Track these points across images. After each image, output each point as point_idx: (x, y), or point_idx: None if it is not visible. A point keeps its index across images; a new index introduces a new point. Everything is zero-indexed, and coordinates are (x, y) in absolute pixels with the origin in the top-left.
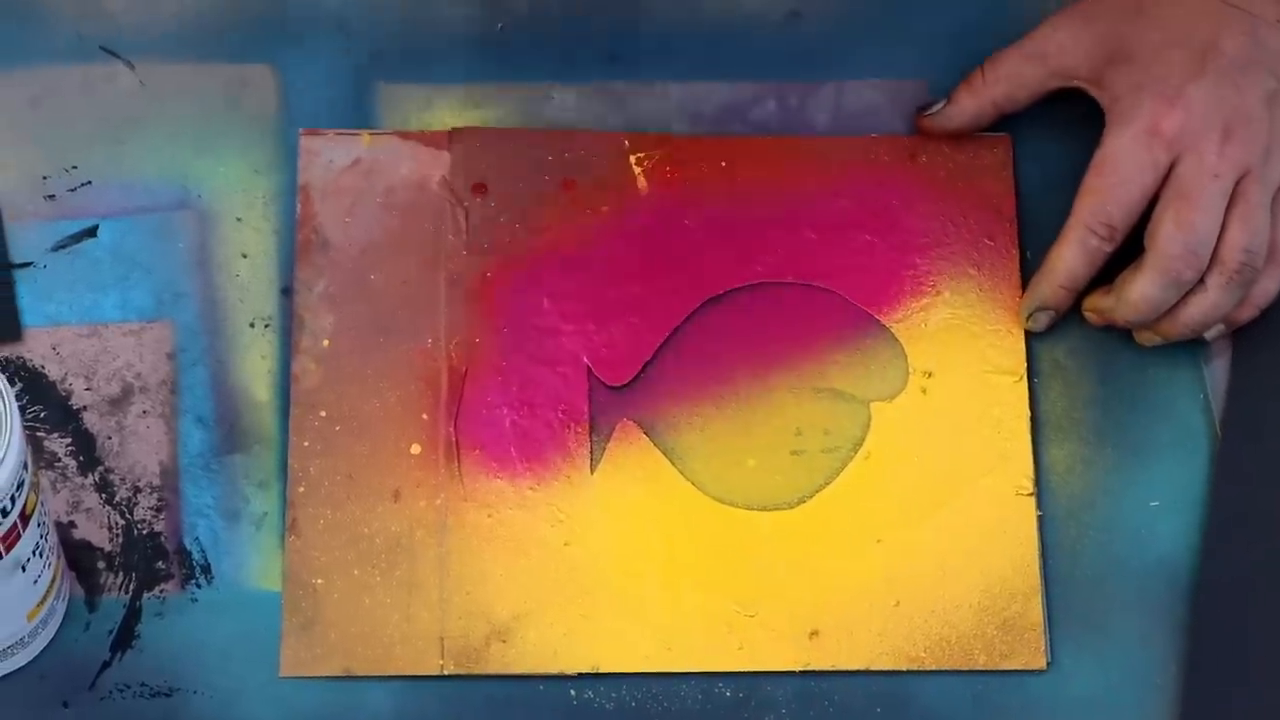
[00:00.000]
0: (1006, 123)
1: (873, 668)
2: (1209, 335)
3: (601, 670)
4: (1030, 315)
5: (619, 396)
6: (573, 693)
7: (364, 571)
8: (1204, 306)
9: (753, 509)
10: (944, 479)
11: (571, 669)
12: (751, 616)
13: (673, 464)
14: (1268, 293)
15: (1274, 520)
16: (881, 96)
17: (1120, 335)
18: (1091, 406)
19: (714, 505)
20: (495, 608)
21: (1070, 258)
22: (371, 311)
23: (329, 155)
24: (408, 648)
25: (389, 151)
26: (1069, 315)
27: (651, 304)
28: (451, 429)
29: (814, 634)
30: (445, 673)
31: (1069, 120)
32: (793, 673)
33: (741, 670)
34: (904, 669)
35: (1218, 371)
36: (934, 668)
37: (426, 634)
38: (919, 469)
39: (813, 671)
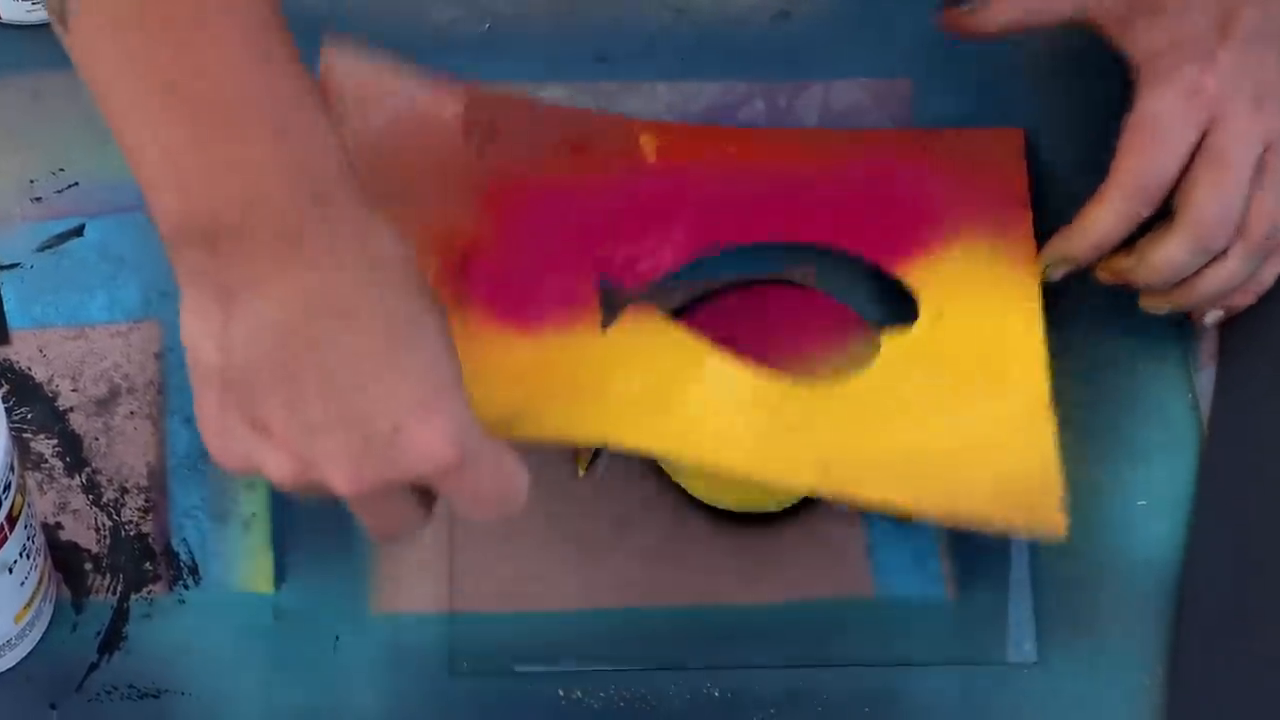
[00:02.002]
0: (1018, 116)
1: (890, 499)
2: (1208, 319)
3: (609, 443)
4: (1050, 265)
5: None
6: (560, 692)
7: None
8: (1223, 276)
9: (743, 512)
10: (957, 389)
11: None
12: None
13: (660, 465)
14: (1267, 279)
15: (1260, 521)
16: (868, 96)
17: (1107, 335)
18: (1079, 407)
19: (732, 365)
20: (500, 407)
21: (1107, 219)
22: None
23: (348, 66)
24: None
25: (406, 75)
26: (1055, 316)
27: (664, 236)
28: (460, 288)
29: (825, 467)
30: None
31: (1082, 115)
32: (781, 672)
33: (753, 475)
34: (909, 507)
35: (1205, 373)
36: (949, 515)
37: None
38: (931, 382)
39: (802, 666)
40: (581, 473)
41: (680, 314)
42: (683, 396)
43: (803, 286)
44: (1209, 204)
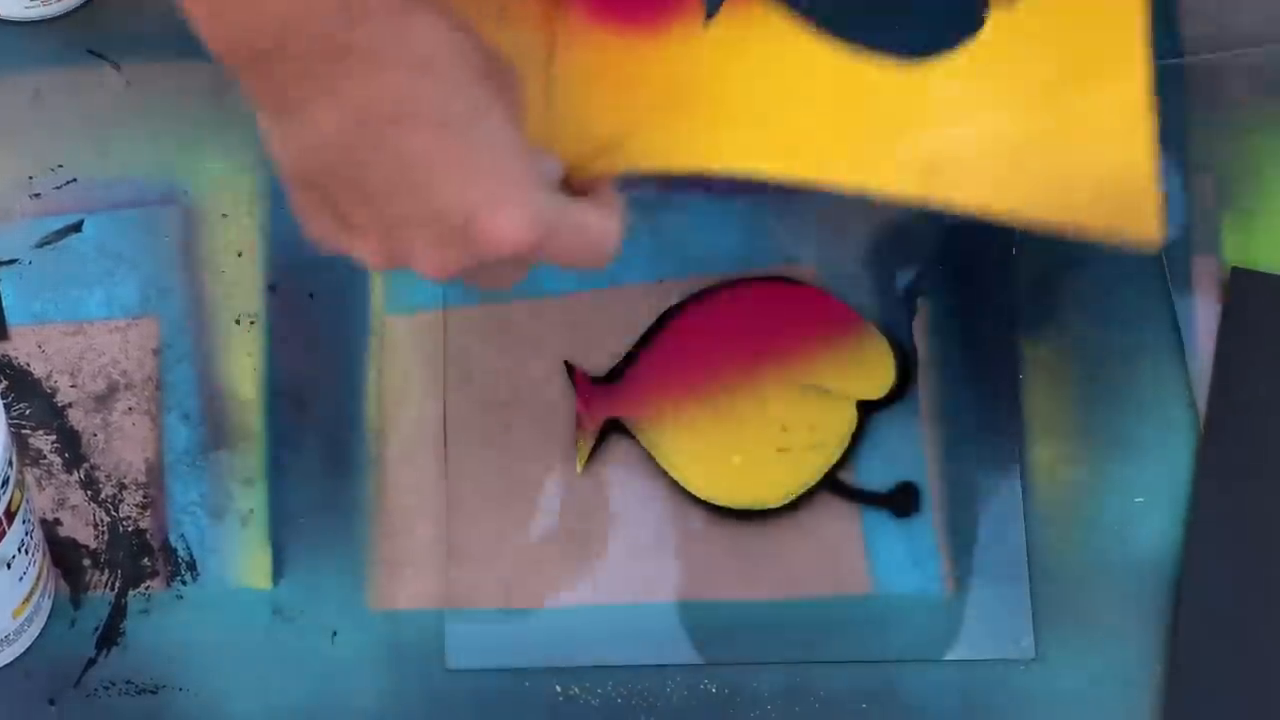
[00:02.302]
0: None
1: (991, 202)
2: None
3: (710, 165)
4: None
5: (603, 392)
6: (558, 688)
7: None
8: None
9: (740, 508)
10: (1059, 74)
11: (684, 167)
12: (868, 146)
13: (658, 461)
14: None
15: (1257, 517)
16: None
17: (1103, 332)
18: (1077, 404)
19: (833, 53)
20: (603, 127)
21: None
22: None
23: None
24: None
25: None
26: (1054, 313)
27: None
28: None
29: (929, 170)
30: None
31: None
32: (779, 668)
33: (856, 185)
34: (1017, 209)
35: (1202, 370)
36: (1047, 218)
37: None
38: (1031, 68)
39: (800, 663)
40: (580, 469)
41: (678, 310)
42: (784, 101)
43: (802, 284)
44: None
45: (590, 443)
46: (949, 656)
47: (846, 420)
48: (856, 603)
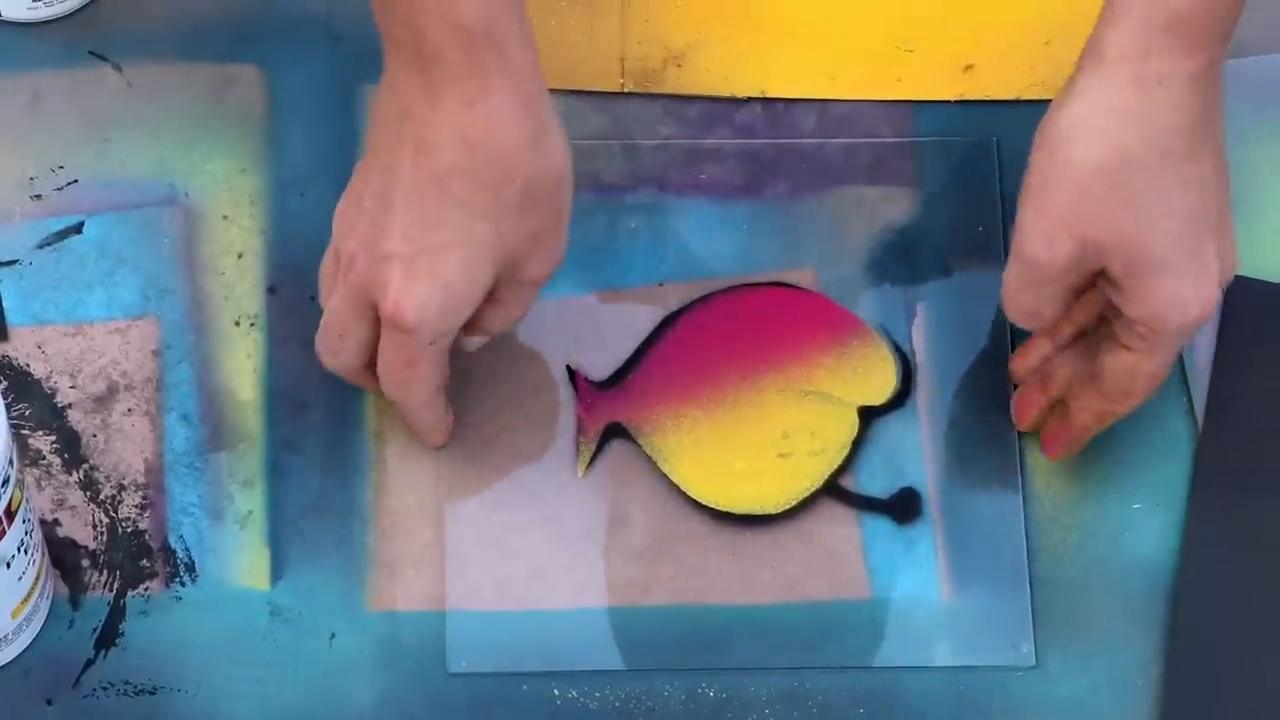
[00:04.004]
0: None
1: (1024, 97)
2: None
3: (769, 94)
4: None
5: (604, 397)
6: (556, 691)
7: None
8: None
9: (740, 513)
10: None
11: (742, 92)
12: (910, 51)
13: (659, 465)
14: None
15: (1254, 524)
16: (867, 103)
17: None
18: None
19: None
20: (672, 35)
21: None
22: None
23: None
24: (590, 67)
25: None
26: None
27: None
28: None
29: (968, 67)
30: (625, 89)
31: None
32: (777, 673)
33: (900, 99)
34: (1050, 97)
35: (1200, 377)
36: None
37: (608, 55)
38: None
39: (798, 668)
40: (582, 473)
41: (679, 315)
42: (833, 18)
43: (803, 289)
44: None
45: (592, 447)
46: (947, 662)
47: (848, 426)
48: (855, 608)
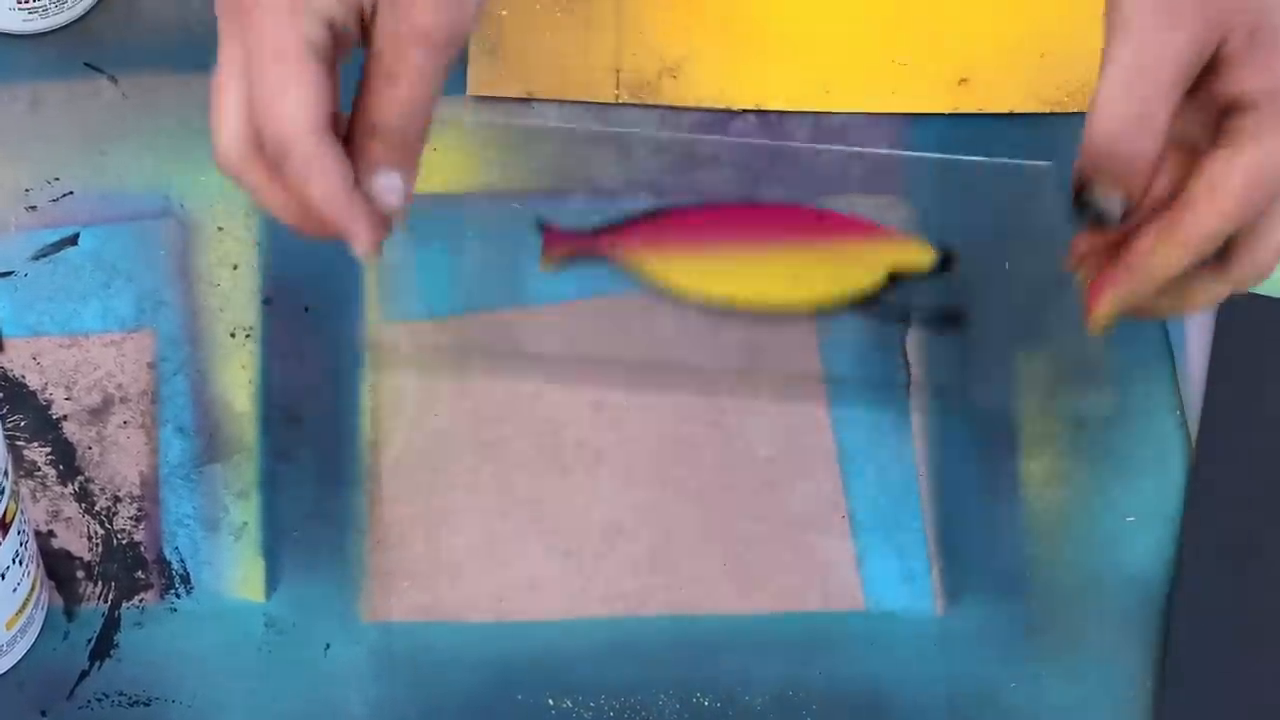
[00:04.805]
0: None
1: (1019, 110)
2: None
3: (763, 107)
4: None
5: (583, 234)
6: (550, 701)
7: (545, 6)
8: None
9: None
10: None
11: (736, 105)
12: (904, 65)
13: (655, 281)
14: None
15: (1248, 536)
16: (861, 115)
17: (1094, 351)
18: (1069, 422)
19: None
20: (667, 47)
21: (1171, 265)
22: None
23: None
24: (585, 76)
25: None
26: (1050, 333)
27: None
28: None
29: (963, 81)
30: (619, 101)
31: None
32: (771, 682)
33: (895, 112)
34: (1048, 111)
35: (1195, 389)
36: (1077, 110)
37: (603, 65)
38: None
39: (792, 678)
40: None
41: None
42: (826, 33)
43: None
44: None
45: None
46: (941, 673)
47: (873, 280)
48: (849, 618)
